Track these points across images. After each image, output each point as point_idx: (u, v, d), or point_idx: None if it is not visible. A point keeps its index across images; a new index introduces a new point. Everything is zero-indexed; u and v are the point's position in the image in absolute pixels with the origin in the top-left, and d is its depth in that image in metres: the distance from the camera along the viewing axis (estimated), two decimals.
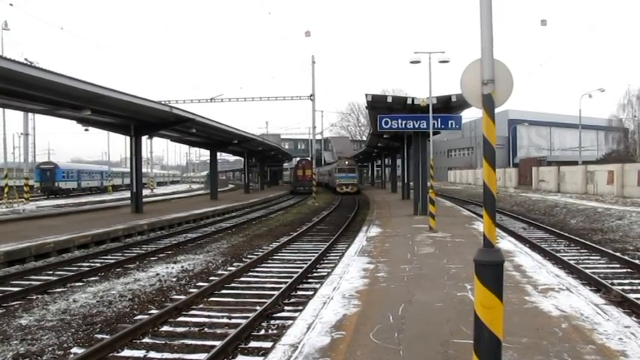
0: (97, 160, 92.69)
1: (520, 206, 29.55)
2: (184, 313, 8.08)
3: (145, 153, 48.51)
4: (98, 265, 12.44)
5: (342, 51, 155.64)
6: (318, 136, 58.09)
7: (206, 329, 7.28)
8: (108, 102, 18.98)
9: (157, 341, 6.77)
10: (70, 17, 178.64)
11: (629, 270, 11.00)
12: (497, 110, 3.94)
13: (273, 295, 8.76)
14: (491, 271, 3.63)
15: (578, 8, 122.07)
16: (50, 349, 6.52)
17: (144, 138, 28.23)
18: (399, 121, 18.91)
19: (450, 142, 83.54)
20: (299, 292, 9.44)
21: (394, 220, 18.66)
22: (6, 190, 32.24)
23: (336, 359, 4.82)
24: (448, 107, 19.37)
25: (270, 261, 12.79)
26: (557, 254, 12.68)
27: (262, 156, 56.79)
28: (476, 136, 71.06)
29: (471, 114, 70.55)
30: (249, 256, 13.45)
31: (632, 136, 57.58)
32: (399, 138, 29.57)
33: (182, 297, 8.99)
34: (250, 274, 11.22)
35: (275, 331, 7.07)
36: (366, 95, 19.92)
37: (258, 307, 8.00)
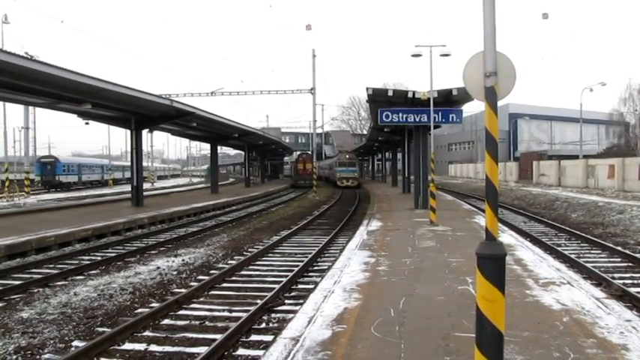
0: (98, 154, 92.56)
1: (521, 200, 29.53)
2: (185, 306, 8.09)
3: (145, 147, 48.53)
4: (99, 258, 12.45)
5: (342, 45, 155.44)
6: (319, 130, 58.10)
7: (207, 323, 7.29)
8: (109, 95, 18.93)
9: (158, 334, 6.78)
10: (70, 10, 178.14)
11: (630, 264, 11.00)
12: (498, 104, 3.91)
13: (274, 288, 8.76)
14: (493, 264, 3.62)
15: (580, 2, 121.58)
16: (51, 342, 6.53)
17: (144, 131, 28.21)
18: (400, 114, 18.84)
19: (450, 136, 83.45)
20: (300, 286, 9.45)
21: (395, 214, 18.65)
22: (7, 183, 32.22)
23: (338, 353, 4.82)
24: (449, 101, 19.30)
25: (270, 254, 12.80)
26: (558, 248, 12.67)
27: (263, 150, 56.72)
28: (476, 130, 70.87)
29: (472, 108, 70.38)
30: (249, 250, 13.45)
31: (633, 130, 57.46)
32: (400, 132, 29.48)
33: (183, 290, 8.99)
34: (251, 267, 11.22)
35: (276, 325, 7.08)
36: (367, 89, 19.86)
37: (259, 301, 8.00)
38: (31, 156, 40.66)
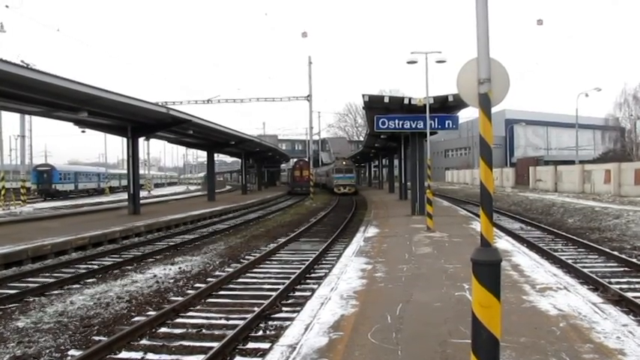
0: (94, 162, 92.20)
1: (517, 206, 29.59)
2: (182, 314, 8.06)
3: (142, 154, 48.56)
4: (95, 266, 12.41)
5: (339, 52, 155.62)
6: (316, 137, 58.14)
7: (204, 330, 7.27)
8: (105, 103, 18.93)
9: (155, 343, 6.76)
10: (66, 19, 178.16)
11: (626, 269, 11.02)
12: (494, 110, 3.93)
13: (271, 295, 8.74)
14: (488, 270, 3.62)
15: (574, 7, 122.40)
16: (47, 351, 6.50)
17: (141, 139, 28.20)
18: (396, 121, 18.91)
19: (447, 142, 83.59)
20: (297, 293, 9.43)
21: (392, 221, 18.65)
22: (3, 192, 32.10)
23: None
24: (445, 107, 19.38)
25: (267, 262, 12.78)
26: (555, 253, 12.69)
27: (260, 157, 56.75)
28: (473, 136, 71.09)
29: (468, 114, 70.79)
30: (246, 257, 13.42)
31: (629, 135, 57.63)
32: (396, 138, 29.57)
33: (180, 298, 8.97)
34: (248, 275, 11.20)
35: (273, 332, 7.06)
36: (363, 96, 19.92)
37: (256, 308, 7.99)
38: (27, 164, 40.55)
